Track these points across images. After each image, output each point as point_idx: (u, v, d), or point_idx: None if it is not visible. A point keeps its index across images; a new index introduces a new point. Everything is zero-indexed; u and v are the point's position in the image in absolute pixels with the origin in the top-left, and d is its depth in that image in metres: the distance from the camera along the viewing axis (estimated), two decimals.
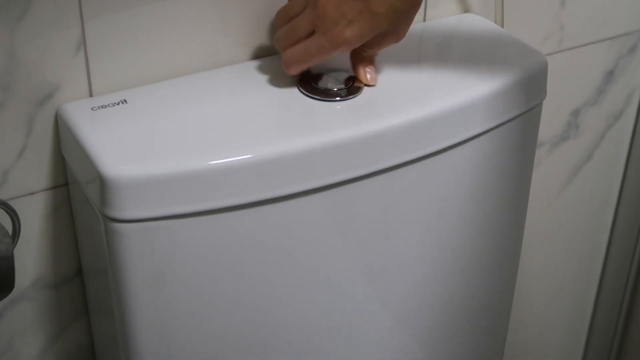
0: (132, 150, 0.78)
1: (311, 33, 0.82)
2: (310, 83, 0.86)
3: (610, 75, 1.19)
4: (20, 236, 0.84)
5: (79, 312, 0.95)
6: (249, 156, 0.78)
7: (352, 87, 0.86)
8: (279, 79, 0.87)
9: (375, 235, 0.87)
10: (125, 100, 0.84)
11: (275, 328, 0.87)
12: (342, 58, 0.88)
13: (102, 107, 0.83)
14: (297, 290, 0.86)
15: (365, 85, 0.86)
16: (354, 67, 0.86)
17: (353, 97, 0.85)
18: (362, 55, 0.85)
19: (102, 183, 0.76)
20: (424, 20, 0.99)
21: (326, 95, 0.85)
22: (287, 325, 0.88)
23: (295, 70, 0.85)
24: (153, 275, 0.80)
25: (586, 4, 1.10)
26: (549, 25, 1.10)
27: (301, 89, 0.86)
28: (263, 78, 0.88)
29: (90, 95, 0.86)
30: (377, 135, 0.82)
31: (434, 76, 0.90)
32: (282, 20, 0.86)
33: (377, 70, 0.87)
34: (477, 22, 1.00)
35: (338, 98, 0.85)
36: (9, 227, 0.83)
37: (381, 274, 0.90)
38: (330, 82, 0.86)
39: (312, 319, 0.89)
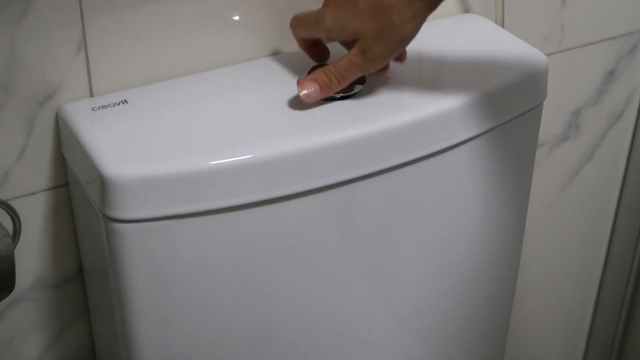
0: (133, 150, 0.78)
1: None
2: None
3: (610, 76, 1.19)
4: (21, 236, 0.84)
5: (79, 312, 0.95)
6: (249, 156, 0.78)
7: (352, 86, 0.86)
8: (279, 79, 0.87)
9: (376, 235, 0.87)
10: (125, 101, 0.84)
11: (276, 328, 0.87)
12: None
13: (102, 107, 0.83)
14: (298, 290, 0.86)
15: (300, 93, 0.83)
16: (312, 74, 0.83)
17: (354, 97, 0.85)
18: (332, 70, 0.83)
19: (102, 183, 0.76)
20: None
21: None
22: (288, 326, 0.88)
23: (293, 28, 0.86)
24: (153, 276, 0.80)
25: (587, 4, 1.10)
26: (549, 25, 1.10)
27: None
28: (263, 78, 0.88)
29: (91, 95, 0.86)
30: (377, 136, 0.82)
31: (434, 76, 0.90)
32: None
33: (321, 93, 0.83)
34: (478, 22, 1.00)
35: (339, 97, 0.85)
36: (9, 227, 0.83)
37: (381, 273, 0.90)
38: None
39: (313, 319, 0.89)
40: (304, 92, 0.83)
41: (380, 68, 0.84)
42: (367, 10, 0.79)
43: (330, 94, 0.83)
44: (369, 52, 0.80)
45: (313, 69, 0.86)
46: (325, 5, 0.83)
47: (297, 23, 0.86)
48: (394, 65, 0.88)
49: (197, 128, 0.81)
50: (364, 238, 0.87)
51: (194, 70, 0.89)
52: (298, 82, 0.85)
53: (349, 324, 0.91)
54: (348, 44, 0.84)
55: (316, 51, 0.87)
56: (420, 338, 0.97)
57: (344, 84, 0.83)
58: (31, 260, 0.90)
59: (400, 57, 0.87)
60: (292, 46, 0.88)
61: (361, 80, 0.86)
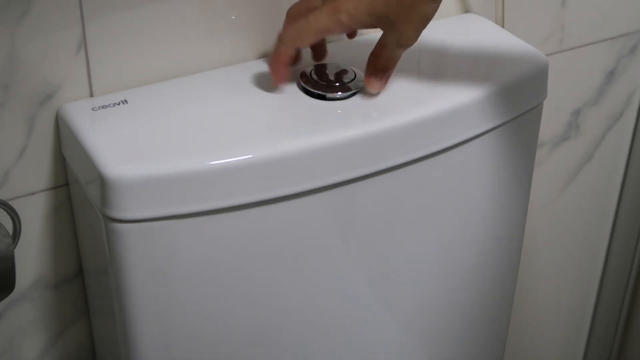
0: (133, 150, 0.78)
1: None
2: (310, 83, 0.86)
3: (610, 76, 1.19)
4: (21, 236, 0.84)
5: (79, 312, 0.95)
6: (249, 156, 0.78)
7: (353, 86, 0.86)
8: None
9: (376, 235, 0.87)
10: (125, 101, 0.84)
11: (276, 329, 0.87)
12: (343, 58, 0.88)
13: (102, 107, 0.83)
14: (298, 291, 0.86)
15: (368, 90, 0.85)
16: (366, 70, 0.85)
17: (354, 97, 0.85)
18: (376, 60, 0.84)
19: (102, 183, 0.76)
20: None
21: (327, 92, 0.85)
22: (287, 326, 0.88)
23: (291, 39, 0.82)
24: (153, 276, 0.80)
25: (587, 4, 1.10)
26: (549, 25, 1.10)
27: (302, 87, 0.86)
28: (264, 78, 0.88)
29: (91, 95, 0.86)
30: (378, 135, 0.82)
31: (434, 76, 0.90)
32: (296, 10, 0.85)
33: (387, 81, 0.85)
34: (478, 22, 1.00)
35: (339, 95, 0.85)
36: (9, 227, 0.83)
37: (381, 273, 0.90)
38: (331, 82, 0.86)
39: (313, 320, 0.89)
40: (376, 89, 0.84)
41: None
42: None
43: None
44: (403, 36, 0.81)
45: (316, 69, 0.86)
46: None
47: (299, 31, 0.82)
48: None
49: (197, 128, 0.81)
50: (363, 238, 0.87)
51: (194, 71, 0.89)
52: (298, 85, 0.85)
53: (349, 324, 0.91)
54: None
55: (289, 71, 0.85)
56: (421, 338, 0.97)
57: (395, 66, 0.84)
58: (31, 260, 0.90)
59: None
60: None
61: (360, 81, 0.86)
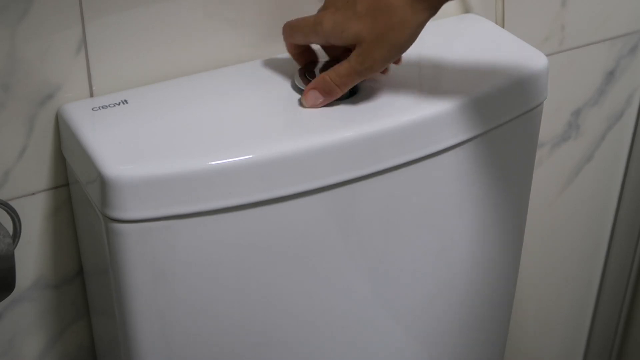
0: (133, 150, 0.78)
1: None
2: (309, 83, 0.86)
3: (611, 76, 1.19)
4: (21, 236, 0.84)
5: (79, 312, 0.95)
6: (249, 156, 0.78)
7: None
8: (279, 79, 0.87)
9: (376, 235, 0.87)
10: (126, 101, 0.84)
11: (276, 329, 0.87)
12: None
13: (102, 107, 0.83)
14: (297, 290, 0.86)
15: (303, 102, 0.83)
16: (314, 81, 0.83)
17: (353, 97, 0.85)
18: (331, 74, 0.82)
19: (102, 183, 0.76)
20: None
21: None
22: (287, 326, 0.88)
23: (286, 34, 0.84)
24: (154, 276, 0.80)
25: (587, 4, 1.10)
26: (549, 25, 1.10)
27: (301, 87, 0.85)
28: (264, 78, 0.88)
29: (91, 95, 0.86)
30: (377, 136, 0.82)
31: (434, 76, 0.90)
32: None
33: (323, 104, 0.83)
34: (478, 22, 1.00)
35: None
36: (9, 227, 0.83)
37: (381, 273, 0.90)
38: None
39: (312, 319, 0.89)
40: (309, 102, 0.83)
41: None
42: (367, 13, 0.78)
43: (332, 100, 0.83)
44: (369, 57, 0.80)
45: (305, 68, 0.86)
46: (323, 8, 0.83)
47: (292, 29, 0.84)
48: (393, 66, 0.88)
49: (197, 128, 0.81)
50: (363, 238, 0.87)
51: (194, 70, 0.89)
52: (293, 85, 0.86)
53: (349, 324, 0.91)
54: (344, 49, 0.84)
55: (305, 58, 0.87)
56: (421, 337, 0.97)
57: (345, 90, 0.83)
58: (31, 260, 0.90)
59: (396, 59, 0.87)
60: None
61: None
